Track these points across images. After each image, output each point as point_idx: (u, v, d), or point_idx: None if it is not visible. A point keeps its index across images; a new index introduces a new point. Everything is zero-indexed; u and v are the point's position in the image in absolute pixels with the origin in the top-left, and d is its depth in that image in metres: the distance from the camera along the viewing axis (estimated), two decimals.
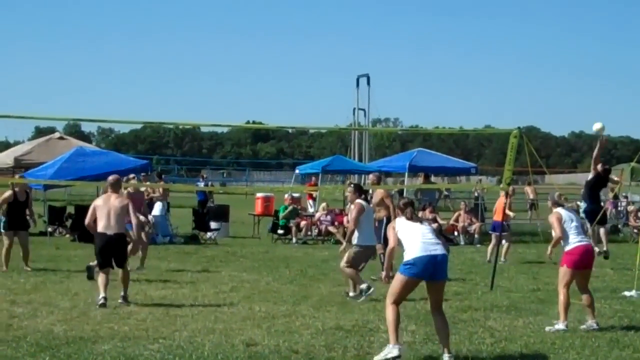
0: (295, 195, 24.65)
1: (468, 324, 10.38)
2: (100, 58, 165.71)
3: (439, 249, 8.30)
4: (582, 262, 10.21)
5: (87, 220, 11.76)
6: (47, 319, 10.25)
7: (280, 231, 23.15)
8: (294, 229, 22.92)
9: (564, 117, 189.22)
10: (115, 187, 11.86)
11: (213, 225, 23.37)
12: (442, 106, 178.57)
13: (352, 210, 12.43)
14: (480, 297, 12.70)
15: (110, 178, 12.02)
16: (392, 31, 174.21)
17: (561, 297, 10.12)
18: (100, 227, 11.42)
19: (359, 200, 12.35)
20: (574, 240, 10.18)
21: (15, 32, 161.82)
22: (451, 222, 23.71)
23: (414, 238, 8.34)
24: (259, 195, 26.84)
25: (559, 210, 10.47)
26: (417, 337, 9.40)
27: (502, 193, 17.30)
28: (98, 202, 11.71)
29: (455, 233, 23.54)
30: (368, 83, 35.06)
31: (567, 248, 10.19)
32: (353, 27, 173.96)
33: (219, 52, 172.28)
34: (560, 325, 10.03)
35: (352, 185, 13.13)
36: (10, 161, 24.67)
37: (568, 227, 10.25)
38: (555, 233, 10.39)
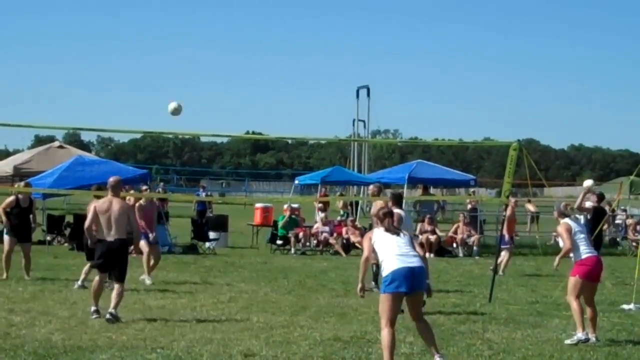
0: (294, 205, 24.66)
1: (466, 335, 10.38)
2: (100, 67, 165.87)
3: (415, 261, 8.26)
4: (593, 273, 10.22)
5: (87, 224, 11.36)
6: (45, 327, 10.24)
7: (279, 241, 23.15)
8: (292, 239, 22.92)
9: (564, 130, 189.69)
10: (116, 190, 11.32)
11: (212, 235, 23.37)
12: (442, 118, 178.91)
13: None
14: (478, 309, 12.69)
15: (111, 180, 11.43)
16: (392, 43, 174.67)
17: (574, 306, 10.05)
18: (101, 234, 11.07)
19: (397, 210, 12.19)
20: (585, 251, 10.18)
21: (14, 41, 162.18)
22: (450, 234, 23.72)
23: (391, 251, 8.31)
24: (258, 205, 26.85)
25: (567, 221, 10.41)
26: (415, 349, 9.38)
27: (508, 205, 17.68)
28: (99, 204, 11.14)
29: (454, 245, 23.54)
30: (368, 94, 35.31)
31: (579, 259, 10.17)
32: (353, 39, 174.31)
33: (219, 62, 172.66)
34: (579, 335, 9.94)
35: (389, 195, 12.98)
36: (9, 170, 24.69)
37: (578, 239, 10.24)
38: (564, 244, 10.33)
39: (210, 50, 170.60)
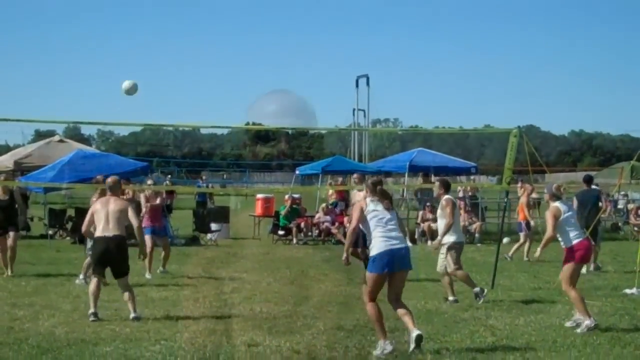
0: (295, 195, 24.65)
1: (469, 322, 10.39)
2: (99, 60, 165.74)
3: (399, 243, 8.60)
4: (587, 257, 10.16)
5: (84, 228, 11.14)
6: (49, 321, 10.27)
7: (280, 232, 23.16)
8: (294, 229, 22.94)
9: (564, 116, 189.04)
10: (114, 190, 11.10)
11: (213, 226, 23.37)
12: (442, 106, 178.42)
13: (444, 206, 12.01)
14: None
15: (109, 180, 11.26)
16: (391, 31, 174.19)
17: (574, 295, 9.93)
18: (99, 231, 10.75)
19: (448, 196, 12.10)
20: (576, 235, 10.01)
21: (14, 35, 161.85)
22: None
23: (378, 231, 8.61)
24: (259, 196, 26.84)
25: (558, 204, 10.09)
26: None
27: (523, 192, 18.18)
28: (96, 206, 10.93)
29: None
30: (367, 84, 35.15)
31: (571, 244, 9.96)
32: (352, 28, 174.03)
33: (218, 53, 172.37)
34: (587, 322, 9.79)
35: (438, 181, 12.93)
36: (10, 165, 24.69)
37: (568, 223, 10.01)
38: (547, 231, 10.05)
39: (208, 42, 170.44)
